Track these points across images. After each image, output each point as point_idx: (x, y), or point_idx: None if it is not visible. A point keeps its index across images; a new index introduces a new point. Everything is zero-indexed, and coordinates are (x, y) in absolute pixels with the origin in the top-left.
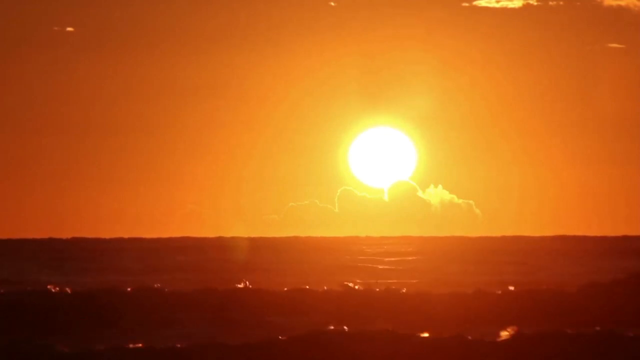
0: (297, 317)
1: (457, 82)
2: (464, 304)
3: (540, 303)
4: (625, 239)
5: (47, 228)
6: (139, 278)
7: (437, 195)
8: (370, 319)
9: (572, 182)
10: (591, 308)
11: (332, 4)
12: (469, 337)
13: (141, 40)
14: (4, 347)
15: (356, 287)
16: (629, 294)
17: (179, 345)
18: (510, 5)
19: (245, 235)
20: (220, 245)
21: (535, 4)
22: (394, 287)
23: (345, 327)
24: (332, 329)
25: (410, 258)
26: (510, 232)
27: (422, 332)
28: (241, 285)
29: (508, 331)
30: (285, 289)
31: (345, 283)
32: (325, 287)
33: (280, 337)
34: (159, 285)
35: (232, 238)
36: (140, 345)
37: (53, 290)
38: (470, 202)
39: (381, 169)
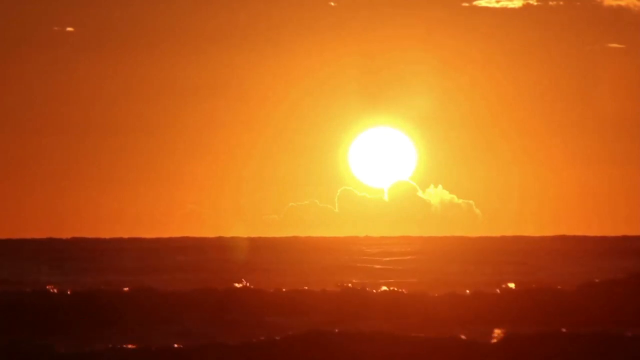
0: (296, 317)
1: (457, 82)
2: (463, 304)
3: (539, 303)
4: (625, 239)
5: (47, 228)
6: (139, 278)
7: (437, 195)
8: (369, 319)
9: (572, 182)
10: (591, 308)
11: (332, 4)
12: (468, 338)
13: (141, 40)
14: (4, 347)
15: (356, 287)
16: (629, 294)
17: (178, 345)
18: (510, 5)
19: (245, 235)
20: (220, 245)
21: (535, 4)
22: (393, 288)
23: (344, 328)
24: (331, 329)
25: (408, 257)
26: (510, 232)
27: (421, 332)
28: (240, 285)
29: (506, 331)
30: (285, 289)
31: (345, 283)
32: (325, 287)
33: (279, 337)
34: (158, 285)
35: (232, 238)
36: (140, 345)
37: (53, 291)
38: (470, 202)
39: (381, 169)
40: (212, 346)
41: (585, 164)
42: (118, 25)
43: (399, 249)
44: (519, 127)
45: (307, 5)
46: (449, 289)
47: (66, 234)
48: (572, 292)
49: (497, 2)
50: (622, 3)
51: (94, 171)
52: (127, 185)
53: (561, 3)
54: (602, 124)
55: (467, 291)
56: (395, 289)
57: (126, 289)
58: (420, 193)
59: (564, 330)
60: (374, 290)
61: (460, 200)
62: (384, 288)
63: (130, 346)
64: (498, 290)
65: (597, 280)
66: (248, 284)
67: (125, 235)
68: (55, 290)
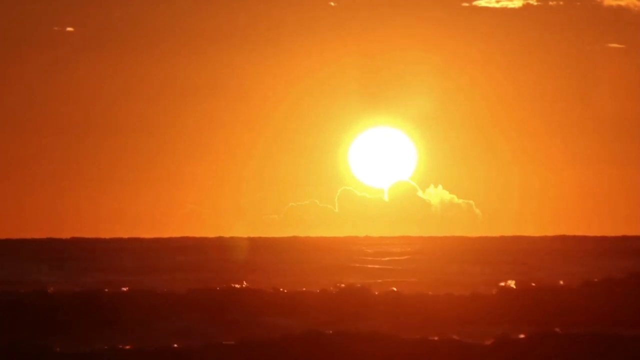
0: (295, 317)
1: (457, 82)
2: (462, 304)
3: (539, 302)
4: (625, 239)
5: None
6: (139, 278)
7: (437, 195)
8: (368, 320)
9: (572, 182)
10: (590, 308)
11: (332, 4)
12: (467, 338)
13: (141, 40)
14: (3, 347)
15: (355, 287)
16: (628, 294)
17: (178, 345)
18: (510, 5)
19: (245, 235)
20: (220, 245)
21: (535, 4)
22: (393, 288)
23: (343, 328)
24: (330, 330)
25: (408, 257)
26: (510, 232)
27: (420, 332)
28: (240, 285)
29: (505, 331)
30: (284, 289)
31: (344, 283)
32: (324, 288)
33: (278, 337)
34: (158, 285)
35: (232, 238)
36: (139, 345)
37: (52, 291)
38: (470, 202)
39: (381, 169)
40: (212, 346)
41: (585, 164)
42: (118, 25)
43: (399, 249)
44: (519, 127)
45: (307, 5)
46: (449, 289)
47: (66, 234)
48: (571, 292)
49: (497, 2)
50: (622, 3)
51: (94, 171)
52: (127, 185)
53: (561, 3)
54: (602, 124)
55: (467, 291)
56: (395, 289)
57: (125, 289)
58: (420, 193)
59: (562, 330)
60: (374, 291)
61: (460, 200)
62: (384, 288)
63: (129, 346)
64: (497, 290)
65: (596, 280)
66: (245, 284)
67: (125, 236)
68: (55, 290)
